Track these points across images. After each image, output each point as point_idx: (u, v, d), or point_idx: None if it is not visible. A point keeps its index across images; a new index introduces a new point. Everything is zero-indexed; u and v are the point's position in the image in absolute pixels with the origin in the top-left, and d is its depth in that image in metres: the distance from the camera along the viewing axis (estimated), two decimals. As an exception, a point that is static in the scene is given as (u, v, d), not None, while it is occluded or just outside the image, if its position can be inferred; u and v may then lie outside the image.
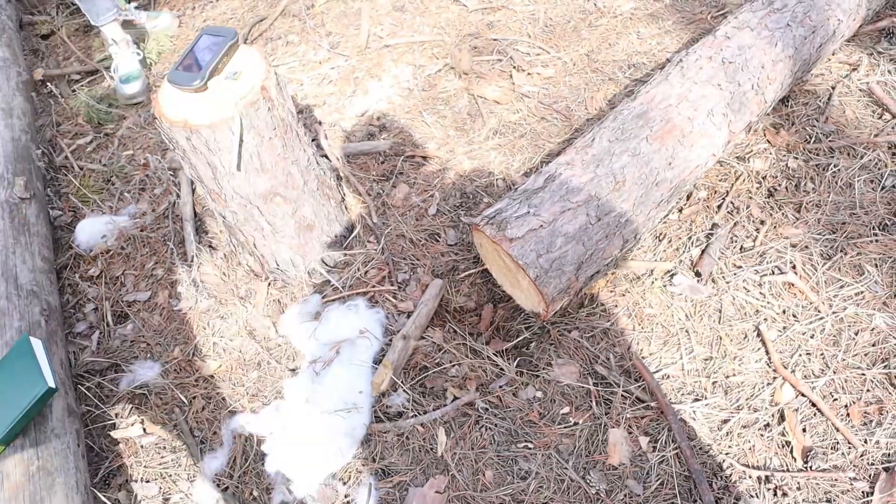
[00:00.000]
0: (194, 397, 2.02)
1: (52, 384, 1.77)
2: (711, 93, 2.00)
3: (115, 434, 1.98)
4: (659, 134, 1.92)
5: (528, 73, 2.66)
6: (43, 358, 1.84)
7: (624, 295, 2.00)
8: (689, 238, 2.07)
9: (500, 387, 1.89)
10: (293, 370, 2.01)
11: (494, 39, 2.82)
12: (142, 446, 1.96)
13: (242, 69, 1.75)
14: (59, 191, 2.64)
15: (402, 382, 1.89)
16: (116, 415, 2.01)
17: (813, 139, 2.21)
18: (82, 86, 3.10)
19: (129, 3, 3.23)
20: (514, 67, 2.69)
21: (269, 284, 2.19)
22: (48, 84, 3.12)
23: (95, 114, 2.90)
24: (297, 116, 1.93)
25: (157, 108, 1.75)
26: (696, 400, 1.79)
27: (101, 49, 3.26)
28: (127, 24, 3.17)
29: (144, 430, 1.99)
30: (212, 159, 1.78)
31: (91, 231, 2.42)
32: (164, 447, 1.95)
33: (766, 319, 1.88)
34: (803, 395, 1.74)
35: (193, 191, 2.50)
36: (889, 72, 2.36)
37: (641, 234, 1.94)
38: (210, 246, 2.34)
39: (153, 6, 3.45)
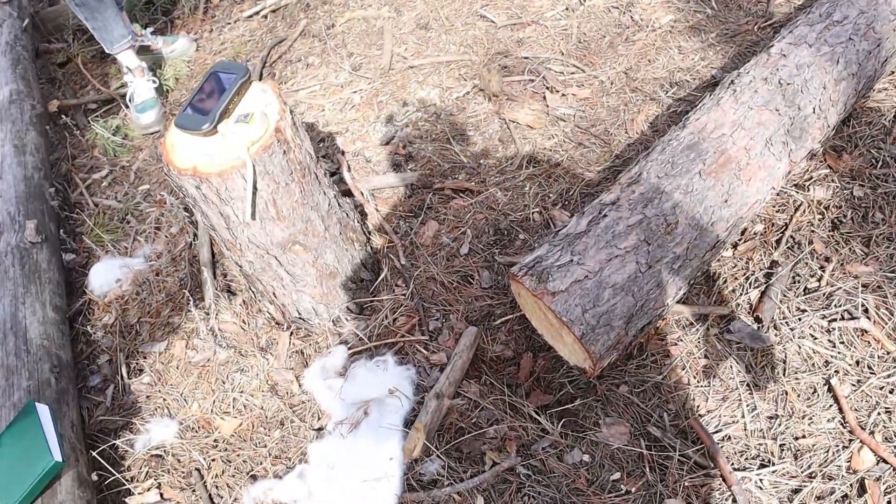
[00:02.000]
0: (213, 460, 1.89)
1: (58, 458, 1.65)
2: (769, 119, 1.82)
3: (130, 501, 1.85)
4: (713, 168, 1.74)
5: (563, 94, 2.48)
6: (50, 427, 1.72)
7: (676, 344, 1.82)
8: (746, 278, 1.88)
9: (543, 449, 1.73)
10: (318, 430, 1.87)
11: (525, 58, 2.65)
12: (159, 513, 1.83)
13: (254, 110, 1.61)
14: (73, 230, 2.53)
15: (435, 447, 1.73)
16: (132, 478, 1.89)
17: (880, 163, 2.01)
18: (98, 116, 2.99)
19: (146, 28, 3.12)
20: (548, 88, 2.52)
21: (292, 334, 2.05)
22: (63, 115, 3.02)
23: (111, 146, 2.80)
24: (319, 149, 1.80)
25: (164, 155, 1.62)
26: (763, 466, 1.60)
27: (118, 76, 3.15)
28: (143, 50, 3.06)
29: (161, 495, 1.86)
30: (224, 209, 1.65)
31: (105, 275, 2.31)
32: (183, 514, 1.82)
33: (837, 372, 1.69)
34: (885, 461, 1.55)
35: (211, 230, 2.37)
36: (962, 84, 2.15)
37: (696, 278, 1.76)
38: (229, 290, 2.21)
39: (170, 30, 3.34)
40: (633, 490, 1.63)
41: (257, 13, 3.28)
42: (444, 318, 2.00)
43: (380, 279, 2.08)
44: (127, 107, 2.94)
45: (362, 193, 2.29)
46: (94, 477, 1.84)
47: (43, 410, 1.75)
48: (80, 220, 2.55)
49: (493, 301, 2.02)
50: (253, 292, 2.07)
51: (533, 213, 2.19)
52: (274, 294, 1.93)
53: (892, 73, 2.24)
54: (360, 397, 1.82)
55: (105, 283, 2.29)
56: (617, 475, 1.66)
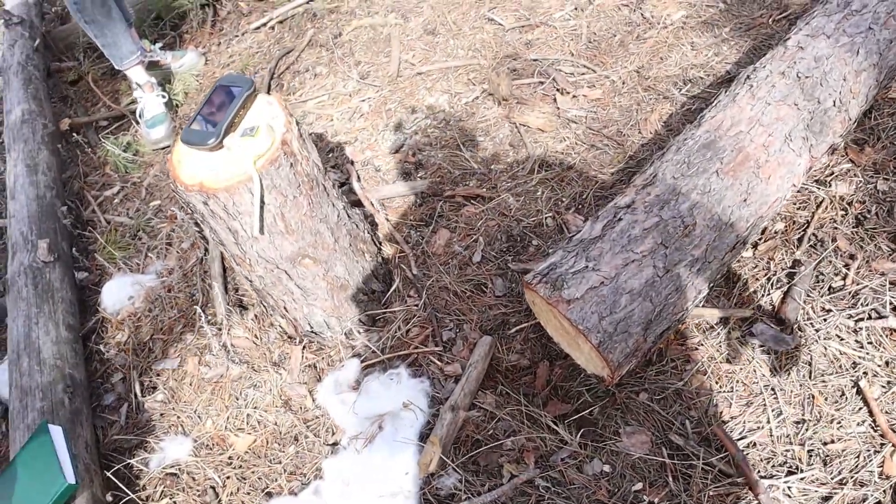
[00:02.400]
0: (228, 477, 1.86)
1: (72, 480, 1.63)
2: (787, 114, 1.76)
3: (146, 520, 1.84)
4: (731, 166, 1.69)
5: (574, 96, 2.44)
6: (63, 448, 1.71)
7: (697, 349, 1.77)
8: (768, 279, 1.83)
9: (563, 460, 1.68)
10: (333, 445, 1.84)
11: (534, 60, 2.61)
12: (175, 533, 1.81)
13: (260, 123, 1.59)
14: (85, 248, 2.53)
15: (451, 461, 1.69)
16: (148, 497, 1.87)
17: (904, 156, 1.95)
18: (109, 132, 3.00)
19: (155, 43, 3.12)
20: (558, 90, 2.47)
21: (304, 348, 2.02)
22: (75, 133, 3.03)
23: (122, 162, 2.79)
24: (328, 159, 1.77)
25: (171, 171, 1.60)
26: (791, 473, 1.55)
27: (129, 92, 3.16)
28: (153, 66, 3.07)
29: (178, 514, 1.84)
30: (232, 224, 1.62)
31: (118, 293, 2.30)
32: (199, 533, 1.80)
33: (865, 373, 1.63)
34: (920, 466, 1.49)
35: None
36: None
37: (715, 281, 1.71)
38: (240, 305, 2.19)
39: (178, 45, 3.34)
40: (657, 501, 1.58)
41: (265, 24, 3.27)
42: (458, 327, 1.96)
43: (392, 290, 2.05)
44: (137, 123, 2.94)
45: (372, 203, 2.26)
46: (109, 497, 1.82)
47: (56, 432, 1.74)
48: (92, 238, 2.55)
49: (508, 309, 1.98)
50: (264, 306, 2.04)
51: (546, 218, 2.14)
52: (285, 308, 1.91)
53: (914, 62, 2.17)
54: (374, 411, 1.79)
55: (118, 300, 2.28)
56: (639, 486, 1.61)
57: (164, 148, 2.87)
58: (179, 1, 3.37)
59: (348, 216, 1.88)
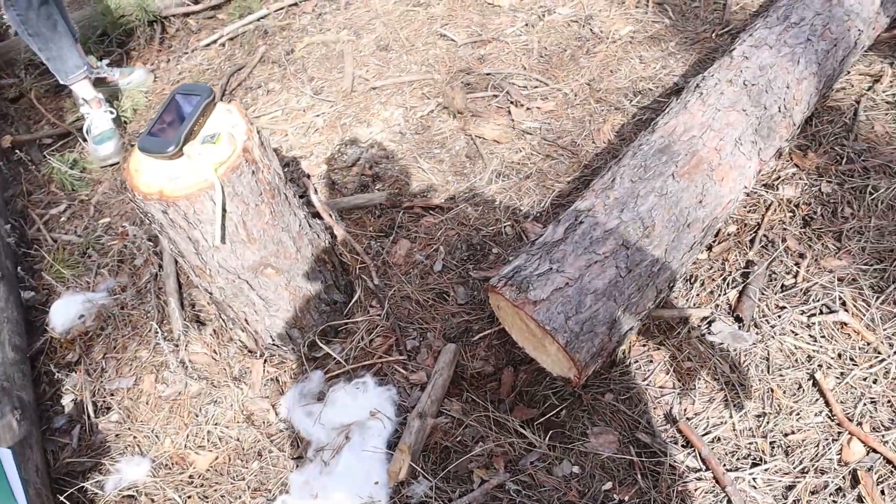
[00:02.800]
0: (189, 496, 1.80)
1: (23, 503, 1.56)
2: (736, 119, 1.83)
3: (102, 546, 1.76)
4: (685, 169, 1.74)
5: (528, 108, 2.48)
6: (13, 472, 1.63)
7: (658, 348, 1.81)
8: (724, 279, 1.88)
9: (532, 463, 1.69)
10: (298, 459, 1.80)
11: (488, 74, 2.65)
12: (134, 558, 1.74)
13: (221, 130, 1.57)
14: (31, 267, 2.44)
15: (421, 468, 1.68)
16: (104, 522, 1.80)
17: (844, 159, 2.04)
18: (54, 150, 2.91)
19: (101, 60, 3.05)
20: (512, 103, 2.52)
21: (266, 361, 1.98)
22: (17, 151, 2.93)
23: (68, 180, 2.71)
24: (284, 173, 1.75)
25: (128, 180, 1.56)
26: (755, 465, 1.59)
27: (74, 110, 3.07)
28: (100, 83, 2.99)
29: (136, 537, 1.77)
30: (193, 233, 1.59)
31: (67, 312, 2.21)
32: (160, 556, 1.73)
33: (820, 366, 1.69)
34: (875, 450, 1.54)
35: (176, 260, 2.30)
36: (915, 81, 2.21)
37: (674, 281, 1.75)
38: (198, 321, 2.14)
39: (125, 62, 3.28)
40: (627, 499, 1.59)
41: (215, 41, 3.24)
42: (422, 336, 1.96)
43: (353, 301, 2.03)
44: (84, 140, 2.87)
45: (331, 215, 2.24)
46: (64, 522, 1.75)
47: (6, 455, 1.66)
48: (38, 257, 2.46)
49: (470, 317, 1.98)
50: (223, 321, 2.00)
51: (505, 226, 2.17)
52: (246, 321, 1.87)
53: (849, 73, 2.29)
54: (340, 421, 1.76)
55: (67, 319, 2.20)
56: (609, 485, 1.63)
57: (112, 165, 2.80)
58: (126, 18, 3.31)
59: (309, 226, 1.86)
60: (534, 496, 1.63)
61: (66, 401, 2.05)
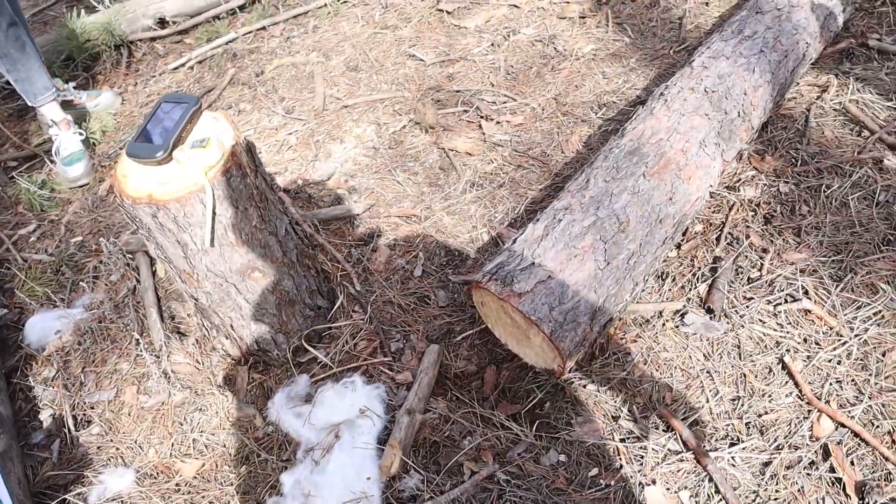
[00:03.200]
0: (177, 504, 1.79)
1: (12, 509, 1.54)
2: (700, 123, 1.95)
3: (88, 558, 1.74)
4: (655, 169, 1.84)
5: (497, 122, 2.58)
6: None
7: (636, 341, 1.88)
8: (694, 274, 1.98)
9: (519, 454, 1.73)
10: (286, 461, 1.81)
11: (457, 91, 2.74)
12: (121, 568, 1.72)
13: (210, 135, 1.60)
14: (1, 287, 2.40)
15: (412, 462, 1.71)
16: (88, 535, 1.77)
17: (799, 162, 2.18)
18: (21, 172, 2.88)
19: (68, 83, 3.05)
20: (482, 117, 2.61)
21: (250, 368, 2.00)
22: (-19, 175, 2.90)
23: (37, 200, 2.69)
24: (271, 181, 1.78)
25: (116, 185, 1.58)
26: (732, 444, 1.66)
27: (39, 133, 3.06)
28: (66, 106, 2.98)
29: (122, 548, 1.75)
30: (182, 237, 1.61)
31: (42, 328, 2.19)
32: (147, 566, 1.71)
33: (788, 350, 1.79)
34: (844, 425, 1.63)
35: (154, 274, 2.30)
36: (858, 90, 2.36)
37: (649, 275, 1.84)
38: (179, 332, 2.14)
39: (92, 85, 3.28)
40: (613, 483, 1.65)
41: (183, 65, 3.27)
42: (405, 338, 2.00)
43: (336, 306, 2.07)
44: (52, 161, 2.85)
45: (310, 225, 2.28)
46: (48, 534, 1.72)
47: (-10, 465, 1.64)
48: (8, 276, 2.43)
49: (452, 318, 2.03)
50: (207, 329, 2.00)
51: (481, 233, 2.23)
52: (232, 326, 1.89)
53: (798, 83, 2.44)
54: (330, 421, 1.78)
55: (43, 335, 2.18)
56: (595, 471, 1.68)
57: (83, 186, 2.79)
58: (91, 42, 3.32)
59: (294, 231, 1.90)
60: (523, 485, 1.67)
61: (45, 416, 2.03)
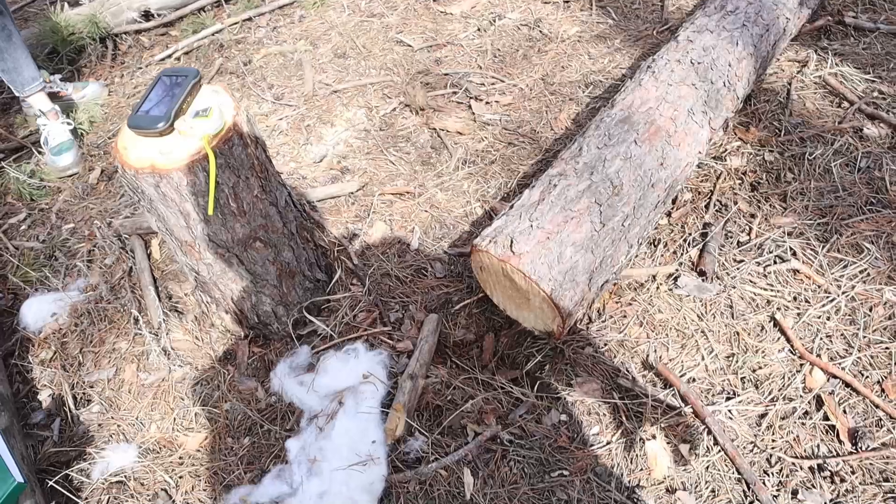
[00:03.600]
0: (181, 476, 1.80)
1: (20, 479, 1.54)
2: (687, 93, 2.00)
3: (93, 531, 1.74)
4: (646, 136, 1.89)
5: (487, 102, 2.62)
6: (5, 451, 1.60)
7: (631, 304, 1.92)
8: (685, 240, 2.03)
9: (521, 416, 1.77)
10: (290, 430, 1.82)
11: (446, 74, 2.78)
12: (127, 540, 1.72)
13: (212, 105, 1.62)
14: (-7, 274, 2.40)
15: (417, 425, 1.73)
16: (92, 509, 1.77)
17: (783, 132, 2.24)
18: (9, 163, 2.86)
19: (53, 75, 3.04)
20: (472, 98, 2.65)
21: (250, 343, 2.01)
22: (-33, 166, 2.88)
23: (27, 189, 2.68)
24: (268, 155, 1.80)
25: (118, 158, 1.59)
26: (729, 398, 1.71)
27: (25, 125, 3.04)
28: (53, 97, 2.97)
29: (127, 521, 1.75)
30: (184, 206, 1.63)
31: (38, 310, 2.19)
32: (153, 537, 1.72)
33: (779, 308, 1.84)
34: (835, 376, 1.68)
35: (149, 256, 2.31)
36: (836, 64, 2.44)
37: (643, 238, 1.88)
38: (176, 311, 2.14)
39: (77, 78, 3.27)
40: (614, 439, 1.69)
41: (170, 56, 3.27)
42: (404, 309, 2.02)
43: (334, 280, 2.09)
44: (41, 152, 2.84)
45: (306, 203, 2.30)
46: (54, 506, 1.72)
47: (-5, 436, 1.63)
48: (1, 262, 2.42)
49: (450, 289, 2.06)
50: (206, 306, 2.01)
51: (475, 207, 2.27)
52: (232, 299, 1.90)
53: (779, 59, 2.51)
54: (333, 388, 1.80)
55: (39, 318, 2.17)
56: (596, 429, 1.72)
57: (72, 175, 2.79)
58: (75, 35, 3.31)
59: (293, 204, 1.92)
60: (526, 444, 1.71)
61: (44, 396, 2.02)
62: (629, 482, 1.62)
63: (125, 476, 1.82)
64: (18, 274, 2.33)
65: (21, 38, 2.70)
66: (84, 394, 2.01)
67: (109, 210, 2.54)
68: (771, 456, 1.60)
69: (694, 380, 1.76)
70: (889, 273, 1.85)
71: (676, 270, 1.96)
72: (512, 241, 1.68)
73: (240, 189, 1.67)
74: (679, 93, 1.99)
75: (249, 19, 3.37)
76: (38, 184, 2.73)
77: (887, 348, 1.72)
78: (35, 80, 2.75)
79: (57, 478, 1.79)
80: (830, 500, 1.51)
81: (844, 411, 1.63)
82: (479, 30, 2.97)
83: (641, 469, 1.63)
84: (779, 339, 1.79)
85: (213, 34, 3.33)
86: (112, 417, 1.94)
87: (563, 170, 1.86)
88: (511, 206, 1.83)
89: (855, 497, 1.51)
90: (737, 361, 1.77)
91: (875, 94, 2.32)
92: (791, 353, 1.76)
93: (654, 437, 1.67)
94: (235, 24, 3.36)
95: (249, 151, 1.67)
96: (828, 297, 1.84)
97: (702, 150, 2.00)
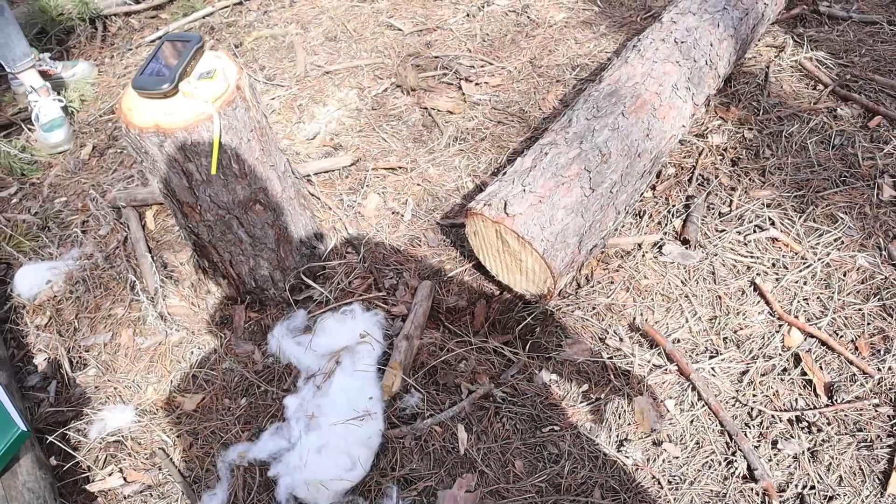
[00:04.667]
0: (178, 436, 1.83)
1: (23, 427, 1.56)
2: (671, 69, 2.08)
3: (91, 488, 1.76)
4: (632, 109, 1.97)
5: (476, 84, 2.68)
6: (7, 402, 1.63)
7: (618, 270, 2.00)
8: (668, 211, 2.11)
9: (513, 376, 1.83)
10: (286, 390, 1.87)
11: (436, 57, 2.84)
12: (125, 496, 1.75)
13: (216, 67, 1.67)
14: (-14, 244, 2.41)
15: (413, 382, 1.79)
16: (89, 468, 1.79)
17: (761, 111, 2.33)
18: (-2, 140, 2.87)
19: (43, 53, 3.05)
20: (462, 79, 2.71)
21: (247, 308, 2.05)
22: (-44, 143, 2.88)
23: (18, 164, 2.69)
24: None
25: (122, 118, 1.63)
26: (712, 357, 1.78)
27: (13, 103, 3.05)
28: (42, 76, 2.99)
29: (125, 479, 1.78)
30: (187, 166, 1.67)
31: (33, 278, 2.20)
32: (152, 494, 1.75)
33: (759, 274, 1.92)
34: (812, 335, 1.77)
35: (144, 227, 2.33)
36: (811, 49, 2.54)
37: (629, 206, 1.96)
38: (172, 279, 2.17)
39: (67, 57, 3.28)
40: (603, 396, 1.75)
41: (160, 38, 3.29)
42: (398, 276, 2.08)
43: (329, 248, 2.14)
44: (31, 129, 2.85)
45: (300, 177, 2.34)
46: (53, 461, 1.74)
47: (-2, 389, 1.66)
48: (-8, 234, 2.43)
49: (442, 258, 2.12)
50: (204, 269, 2.05)
51: (466, 181, 2.33)
52: (231, 262, 1.94)
53: (757, 44, 2.61)
54: (330, 347, 1.85)
55: (34, 285, 2.19)
56: (585, 387, 1.78)
57: (63, 152, 2.80)
58: (64, 16, 3.33)
59: (292, 170, 1.96)
60: (518, 402, 1.77)
61: (39, 360, 2.04)
62: (617, 436, 1.68)
63: (122, 436, 1.85)
64: (12, 243, 2.35)
65: (12, 14, 2.72)
66: (80, 358, 2.03)
67: (102, 184, 2.57)
68: (752, 409, 1.67)
69: (678, 340, 1.83)
70: (861, 241, 1.95)
71: (661, 239, 2.04)
72: (506, 204, 1.74)
73: (241, 151, 1.71)
74: (664, 69, 2.08)
75: (240, 3, 3.41)
76: (30, 159, 2.74)
77: (860, 310, 1.81)
78: (27, 57, 2.76)
79: (55, 435, 1.81)
80: (808, 449, 1.59)
81: (821, 367, 1.71)
82: (468, 15, 3.04)
83: (629, 424, 1.70)
84: (758, 302, 1.87)
85: (203, 17, 3.36)
86: (108, 380, 1.97)
87: (553, 139, 1.92)
88: (504, 172, 1.90)
89: (831, 446, 1.59)
90: (719, 323, 1.85)
91: (848, 77, 2.42)
92: (770, 315, 1.84)
93: (641, 393, 1.74)
94: (226, 7, 3.39)
95: (251, 115, 1.72)
96: (804, 263, 1.93)
97: (685, 124, 2.08)
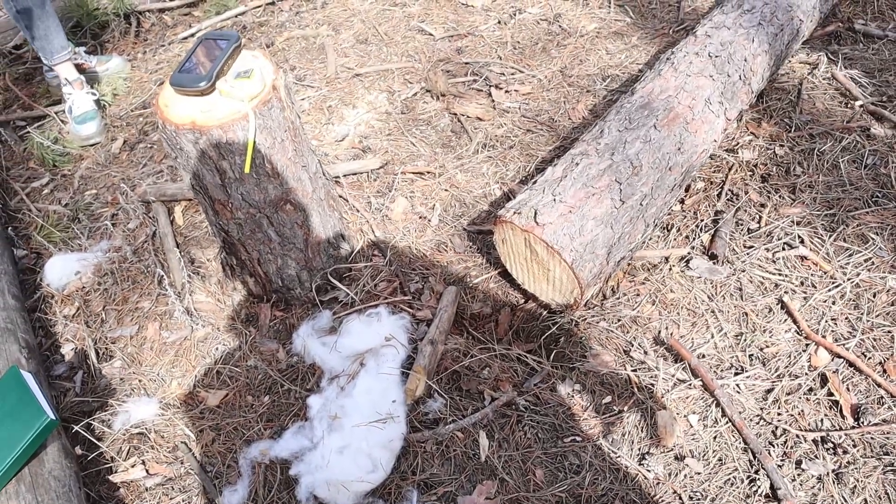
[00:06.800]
0: (201, 430, 1.85)
1: (52, 416, 1.59)
2: (705, 83, 2.07)
3: (114, 478, 1.78)
4: (665, 122, 1.96)
5: (506, 91, 2.69)
6: (37, 390, 1.65)
7: (644, 283, 1.99)
8: (697, 226, 2.10)
9: (536, 384, 1.82)
10: (310, 390, 1.88)
11: (466, 63, 2.85)
12: (146, 489, 1.76)
13: (254, 67, 1.69)
14: (18, 233, 2.44)
15: (436, 387, 1.79)
16: (113, 458, 1.81)
17: (793, 128, 2.32)
18: (29, 131, 2.91)
19: (78, 47, 3.09)
20: (492, 86, 2.72)
21: (273, 306, 2.06)
22: (-10, 132, 2.92)
23: (50, 155, 2.73)
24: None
25: (158, 114, 1.65)
26: (737, 374, 1.77)
27: (47, 95, 3.10)
28: (77, 69, 3.03)
29: (147, 471, 1.80)
30: (221, 164, 1.69)
31: (63, 269, 2.23)
32: (173, 487, 1.76)
33: (786, 292, 1.91)
34: (839, 356, 1.75)
35: (172, 222, 2.36)
36: (846, 67, 2.53)
37: (658, 219, 1.95)
38: (198, 274, 2.19)
39: (101, 52, 3.32)
40: (626, 409, 1.75)
41: (193, 35, 3.33)
42: (424, 280, 2.08)
43: (356, 250, 2.15)
44: (64, 121, 2.89)
45: (329, 178, 2.36)
46: (78, 451, 1.76)
47: (28, 377, 1.68)
48: (25, 223, 2.46)
49: (468, 264, 2.12)
50: (231, 267, 2.07)
51: (493, 189, 2.33)
52: (258, 261, 1.95)
53: (791, 60, 2.60)
54: (355, 349, 1.86)
55: (63, 275, 2.22)
56: (608, 398, 1.78)
57: (94, 145, 2.84)
58: (99, 11, 3.37)
59: (323, 172, 1.98)
60: (541, 411, 1.76)
61: (66, 349, 2.07)
62: (639, 449, 1.68)
63: (146, 428, 1.87)
64: (42, 233, 2.38)
65: (52, 7, 2.76)
66: (106, 349, 2.05)
67: (132, 178, 2.59)
68: (776, 428, 1.66)
69: (703, 356, 1.82)
70: (892, 262, 1.93)
71: (689, 253, 2.03)
72: (536, 213, 1.75)
73: (275, 151, 1.73)
74: (697, 83, 2.07)
75: (272, 3, 3.44)
76: (62, 150, 2.78)
77: (889, 332, 1.79)
78: (64, 49, 2.80)
79: (80, 425, 1.83)
80: (833, 471, 1.58)
81: (848, 389, 1.70)
82: (499, 22, 3.05)
83: (651, 437, 1.69)
84: (786, 320, 1.86)
85: (235, 16, 3.40)
86: (134, 372, 1.99)
87: (585, 149, 1.92)
88: (535, 182, 1.90)
89: (856, 468, 1.57)
90: (745, 340, 1.83)
91: (883, 97, 2.41)
92: (797, 333, 1.83)
93: (664, 407, 1.73)
94: (258, 7, 3.42)
95: (286, 115, 1.73)
96: (833, 282, 1.91)
97: (717, 139, 2.07)
